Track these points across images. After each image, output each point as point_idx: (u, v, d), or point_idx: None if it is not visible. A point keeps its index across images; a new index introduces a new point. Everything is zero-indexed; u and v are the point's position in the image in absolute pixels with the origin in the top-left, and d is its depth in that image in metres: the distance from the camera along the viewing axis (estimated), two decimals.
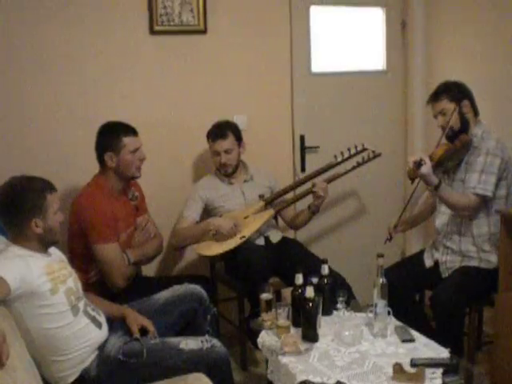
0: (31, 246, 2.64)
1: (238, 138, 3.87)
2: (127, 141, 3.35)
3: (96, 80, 3.86)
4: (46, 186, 2.69)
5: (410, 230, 4.15)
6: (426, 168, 3.25)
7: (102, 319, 2.88)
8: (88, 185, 3.42)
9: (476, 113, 3.49)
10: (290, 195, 4.05)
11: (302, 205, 4.05)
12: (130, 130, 3.39)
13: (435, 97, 3.49)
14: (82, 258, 3.31)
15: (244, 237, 3.67)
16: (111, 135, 3.36)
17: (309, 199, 3.93)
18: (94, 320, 2.80)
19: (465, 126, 3.43)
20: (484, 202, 3.38)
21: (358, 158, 3.98)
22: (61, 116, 3.80)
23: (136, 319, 2.95)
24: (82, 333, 2.72)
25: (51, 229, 2.67)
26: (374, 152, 4.01)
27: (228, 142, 3.80)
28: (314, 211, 3.88)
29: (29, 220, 2.60)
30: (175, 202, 4.01)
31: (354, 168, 3.95)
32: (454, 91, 3.45)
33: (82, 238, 3.28)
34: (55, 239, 2.73)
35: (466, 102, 3.44)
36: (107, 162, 3.35)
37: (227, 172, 3.87)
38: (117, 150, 3.33)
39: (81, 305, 2.76)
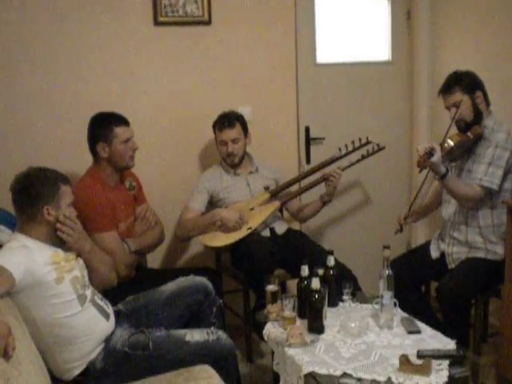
0: (39, 235, 2.64)
1: (245, 129, 3.87)
2: (119, 131, 3.34)
3: (100, 71, 3.87)
4: (61, 177, 2.72)
5: (421, 220, 4.11)
6: (436, 157, 3.22)
7: (110, 310, 2.88)
8: (83, 177, 3.43)
9: (488, 103, 3.45)
10: (295, 187, 4.04)
11: (308, 197, 4.04)
12: (122, 120, 3.38)
13: (447, 88, 3.44)
14: None
15: (250, 228, 3.66)
16: (102, 126, 3.35)
17: (315, 191, 3.92)
18: (101, 311, 2.80)
19: (478, 118, 3.40)
20: (489, 194, 3.36)
21: (363, 151, 3.97)
22: (64, 108, 3.81)
23: None
24: (90, 323, 2.72)
25: None
26: (378, 145, 4.00)
27: (235, 132, 3.80)
28: (325, 201, 3.88)
29: (41, 206, 2.62)
30: (180, 194, 4.00)
31: (358, 161, 3.95)
32: (466, 82, 3.40)
33: None
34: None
35: (478, 93, 3.40)
36: (100, 152, 3.35)
37: (233, 162, 3.86)
38: (108, 140, 3.33)
39: (88, 293, 2.76)
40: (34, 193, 2.63)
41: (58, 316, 2.62)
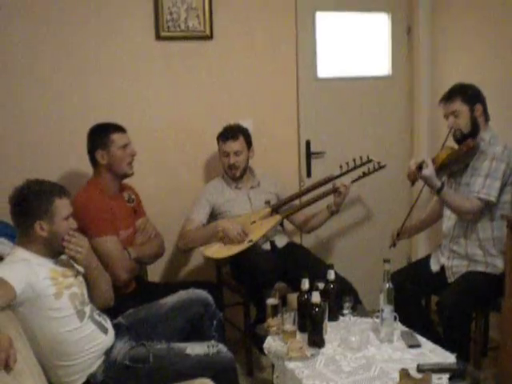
0: (36, 249, 2.65)
1: (248, 142, 3.89)
2: (115, 137, 3.40)
3: (102, 85, 3.88)
4: (56, 190, 2.70)
5: (416, 235, 4.14)
6: (428, 171, 3.25)
7: (108, 325, 2.88)
8: (83, 187, 3.45)
9: (487, 118, 3.47)
10: (297, 201, 4.05)
11: (311, 208, 4.04)
12: (118, 128, 3.44)
13: (448, 97, 3.47)
14: None
15: (251, 241, 3.67)
16: (100, 134, 3.41)
17: (316, 205, 3.94)
18: (100, 326, 2.80)
19: (475, 130, 3.42)
20: (488, 207, 3.38)
21: (364, 168, 3.98)
22: (64, 121, 3.81)
23: None
24: (89, 338, 2.72)
25: (57, 234, 2.67)
26: (379, 163, 4.01)
27: (238, 144, 3.83)
28: (333, 211, 3.89)
29: (33, 221, 2.62)
30: (182, 206, 4.00)
31: (359, 178, 3.95)
32: (468, 93, 3.43)
33: None
34: (61, 246, 2.71)
35: (478, 106, 3.42)
36: (99, 160, 3.39)
37: (235, 175, 3.88)
38: (106, 147, 3.38)
39: (87, 310, 2.76)
40: (26, 208, 2.63)
41: (57, 331, 2.62)
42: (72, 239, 2.71)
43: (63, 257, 2.79)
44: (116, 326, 2.94)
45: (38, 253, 2.65)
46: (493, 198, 3.32)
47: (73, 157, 3.77)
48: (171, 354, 2.81)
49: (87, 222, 3.21)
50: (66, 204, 2.72)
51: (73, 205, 3.10)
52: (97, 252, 3.21)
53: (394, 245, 3.84)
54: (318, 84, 4.46)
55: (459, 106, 3.42)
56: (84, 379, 2.72)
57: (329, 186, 3.91)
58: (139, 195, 3.69)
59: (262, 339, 3.00)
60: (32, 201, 2.63)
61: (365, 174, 3.98)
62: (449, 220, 3.58)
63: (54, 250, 2.71)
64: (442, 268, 3.57)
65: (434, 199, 3.91)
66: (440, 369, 2.56)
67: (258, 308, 3.62)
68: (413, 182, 3.42)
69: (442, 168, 3.41)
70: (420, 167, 3.26)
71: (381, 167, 4.02)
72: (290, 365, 2.70)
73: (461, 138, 3.43)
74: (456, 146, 3.47)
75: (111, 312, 3.00)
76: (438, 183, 3.31)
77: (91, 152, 3.43)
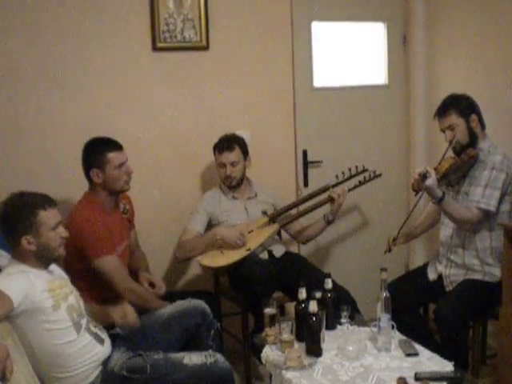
0: (30, 262, 2.63)
1: (245, 152, 3.90)
2: (112, 156, 3.30)
3: (98, 96, 3.89)
4: (40, 202, 2.64)
5: (411, 241, 4.14)
6: (431, 181, 3.25)
7: (105, 335, 2.88)
8: (79, 202, 3.40)
9: (483, 126, 3.47)
10: (293, 210, 4.05)
11: (307, 218, 4.05)
12: (115, 145, 3.34)
13: (443, 111, 3.47)
14: (78, 276, 3.18)
15: (249, 249, 3.67)
16: (95, 152, 3.32)
17: (313, 215, 3.94)
18: (96, 337, 2.80)
19: (473, 141, 3.42)
20: (487, 216, 3.38)
21: (360, 178, 4.00)
22: (60, 133, 3.83)
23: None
24: (86, 350, 2.72)
25: (47, 245, 2.64)
26: (374, 172, 4.04)
27: (234, 155, 3.83)
28: (329, 220, 3.90)
29: (19, 237, 2.58)
30: (181, 216, 4.00)
31: (355, 187, 3.98)
32: (461, 105, 3.42)
33: (78, 257, 3.21)
34: (54, 256, 2.70)
35: (473, 117, 3.42)
36: (94, 178, 3.32)
37: (231, 184, 3.88)
38: (102, 166, 3.29)
39: (83, 322, 2.75)
40: (10, 224, 2.60)
41: (55, 343, 2.62)
42: None
43: (56, 268, 2.78)
44: (113, 337, 2.94)
45: (32, 266, 2.64)
46: (492, 208, 3.32)
47: (70, 168, 3.75)
48: (168, 364, 2.80)
49: (85, 244, 3.17)
50: (52, 214, 2.66)
51: (69, 225, 3.05)
52: (99, 272, 3.20)
53: (389, 250, 3.84)
54: (315, 94, 4.48)
55: (454, 119, 3.41)
56: None
57: (325, 196, 3.92)
58: (134, 205, 3.66)
59: (260, 348, 3.00)
60: (14, 217, 2.59)
61: (361, 183, 4.00)
62: (446, 228, 3.58)
63: (47, 261, 2.70)
64: (440, 276, 3.56)
65: (428, 206, 3.91)
66: (438, 377, 2.56)
67: (255, 317, 3.62)
68: (416, 192, 3.41)
69: (443, 177, 3.41)
70: (424, 177, 3.24)
71: (376, 176, 4.05)
72: (288, 374, 2.69)
73: (460, 150, 3.43)
74: (455, 157, 3.47)
75: None
76: (440, 193, 3.31)
77: (86, 169, 3.36)
